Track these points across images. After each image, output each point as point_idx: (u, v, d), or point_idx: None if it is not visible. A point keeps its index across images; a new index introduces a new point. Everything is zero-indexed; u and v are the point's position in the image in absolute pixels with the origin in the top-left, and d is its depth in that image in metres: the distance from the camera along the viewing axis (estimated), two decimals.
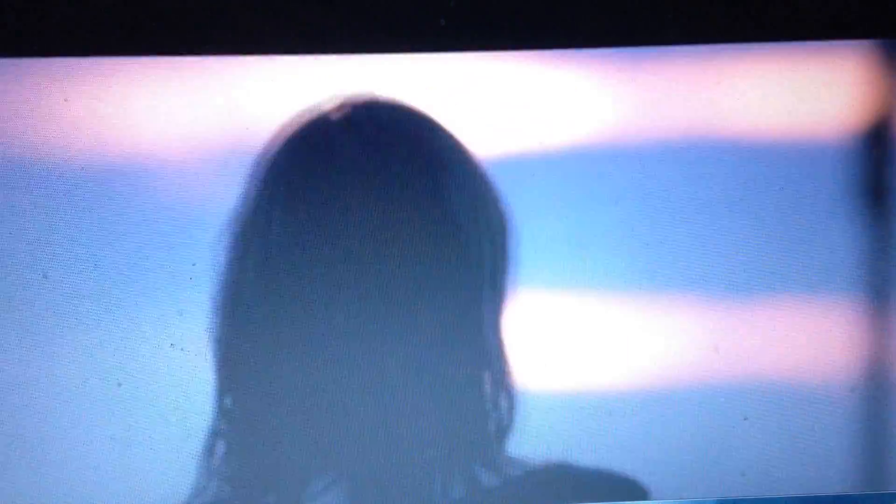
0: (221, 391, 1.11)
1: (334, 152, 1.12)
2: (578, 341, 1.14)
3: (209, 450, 1.11)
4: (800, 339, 1.16)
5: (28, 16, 1.12)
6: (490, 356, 1.10)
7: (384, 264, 1.12)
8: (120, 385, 1.12)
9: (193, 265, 1.13)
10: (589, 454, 1.14)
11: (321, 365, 1.11)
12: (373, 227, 1.12)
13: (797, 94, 1.16)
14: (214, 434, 1.11)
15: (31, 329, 1.12)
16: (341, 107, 1.12)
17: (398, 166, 1.10)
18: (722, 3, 1.15)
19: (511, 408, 1.11)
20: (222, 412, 1.11)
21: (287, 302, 1.12)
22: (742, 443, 1.16)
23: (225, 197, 1.13)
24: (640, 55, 1.15)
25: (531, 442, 1.13)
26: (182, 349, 1.13)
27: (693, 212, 1.15)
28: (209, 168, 1.13)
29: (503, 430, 1.10)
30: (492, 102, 1.14)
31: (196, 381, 1.12)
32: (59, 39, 1.12)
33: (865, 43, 1.16)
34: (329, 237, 1.12)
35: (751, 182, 1.15)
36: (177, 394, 1.12)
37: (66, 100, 1.13)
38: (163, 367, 1.13)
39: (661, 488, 1.15)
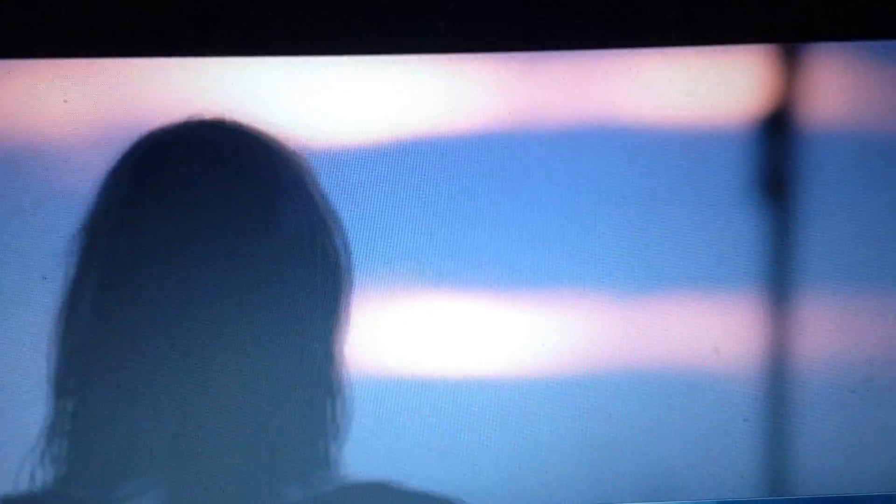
0: (60, 391, 1.10)
1: (177, 171, 1.11)
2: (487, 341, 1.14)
3: (45, 444, 1.11)
4: (698, 332, 1.16)
5: (28, 16, 1.12)
6: (324, 378, 1.11)
7: (217, 288, 1.10)
8: (119, 386, 1.12)
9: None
10: (588, 455, 1.14)
11: (150, 371, 1.10)
12: (212, 249, 1.11)
13: (696, 85, 1.16)
14: (50, 430, 1.10)
15: (32, 329, 1.12)
16: (186, 125, 1.12)
17: (234, 191, 1.10)
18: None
19: (343, 424, 1.11)
20: (59, 411, 1.10)
21: (125, 310, 1.10)
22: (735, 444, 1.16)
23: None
24: (538, 49, 1.15)
25: (528, 441, 1.13)
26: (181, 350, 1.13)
27: (593, 203, 1.15)
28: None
29: (335, 445, 1.11)
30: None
31: (197, 380, 1.12)
32: (59, 39, 1.13)
33: (765, 45, 1.17)
34: (171, 251, 1.10)
35: (648, 174, 1.15)
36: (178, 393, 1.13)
37: (65, 100, 1.13)
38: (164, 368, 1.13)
39: (661, 488, 1.14)
